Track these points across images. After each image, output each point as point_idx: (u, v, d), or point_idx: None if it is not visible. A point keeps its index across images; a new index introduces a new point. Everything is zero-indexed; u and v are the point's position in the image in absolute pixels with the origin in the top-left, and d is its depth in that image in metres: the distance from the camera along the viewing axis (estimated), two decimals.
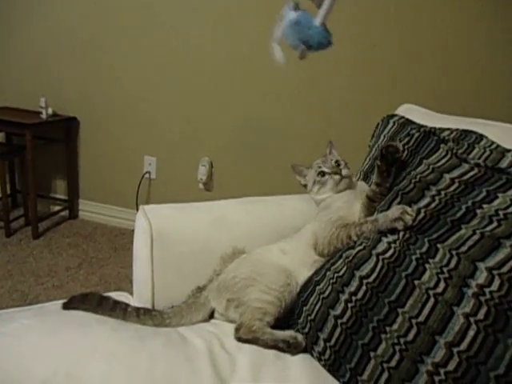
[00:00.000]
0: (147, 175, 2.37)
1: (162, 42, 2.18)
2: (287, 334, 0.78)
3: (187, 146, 2.30)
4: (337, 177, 0.96)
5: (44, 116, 2.22)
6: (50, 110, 2.23)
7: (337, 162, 0.99)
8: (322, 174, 0.98)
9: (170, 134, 2.30)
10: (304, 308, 0.79)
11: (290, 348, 0.75)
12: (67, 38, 2.31)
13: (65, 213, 2.52)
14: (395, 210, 0.74)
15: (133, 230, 0.98)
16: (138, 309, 0.82)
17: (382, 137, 1.11)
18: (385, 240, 0.73)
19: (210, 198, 1.07)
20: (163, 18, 2.15)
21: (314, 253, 0.88)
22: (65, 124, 2.36)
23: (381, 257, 0.70)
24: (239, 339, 0.78)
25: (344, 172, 0.97)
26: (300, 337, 0.77)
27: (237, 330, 0.79)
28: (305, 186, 1.04)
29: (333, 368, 0.70)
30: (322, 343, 0.72)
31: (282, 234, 0.99)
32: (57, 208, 2.52)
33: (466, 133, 0.92)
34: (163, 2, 2.13)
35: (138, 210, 1.00)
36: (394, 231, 0.73)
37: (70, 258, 2.09)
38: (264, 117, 2.15)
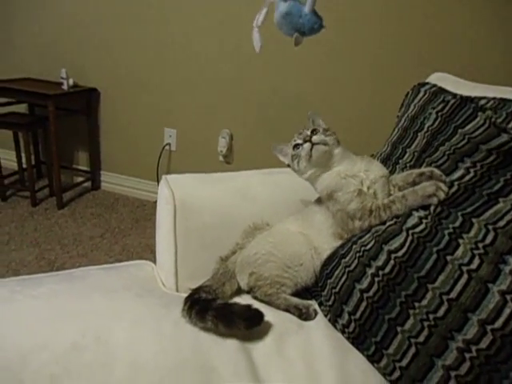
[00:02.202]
0: (167, 147, 2.37)
1: (184, 13, 2.12)
2: (301, 302, 0.80)
3: (207, 118, 2.27)
4: (306, 145, 0.85)
5: (65, 87, 2.22)
6: (71, 81, 2.24)
7: (314, 130, 0.88)
8: (297, 146, 0.88)
9: (190, 106, 2.28)
10: (328, 281, 0.78)
11: (301, 316, 0.78)
12: (87, 9, 2.28)
13: (87, 184, 2.57)
14: (428, 187, 0.71)
15: (154, 202, 0.98)
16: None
17: (412, 106, 1.06)
18: (416, 214, 0.70)
19: (230, 170, 1.06)
20: None
21: (336, 240, 0.84)
22: (86, 95, 2.36)
23: (411, 231, 0.67)
24: (255, 298, 0.83)
25: (315, 138, 0.85)
26: (312, 308, 0.79)
27: (253, 290, 0.84)
28: (289, 165, 0.94)
29: (357, 341, 0.69)
30: (346, 316, 0.72)
31: (305, 204, 0.98)
32: (80, 179, 2.57)
33: (505, 101, 0.86)
34: None
35: (158, 181, 1.00)
36: (425, 206, 0.70)
37: (94, 227, 2.14)
38: (285, 88, 2.10)
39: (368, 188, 0.81)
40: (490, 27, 1.75)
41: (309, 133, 0.87)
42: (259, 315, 0.71)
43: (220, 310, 0.72)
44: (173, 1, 2.12)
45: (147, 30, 2.21)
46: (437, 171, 0.75)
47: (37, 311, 0.71)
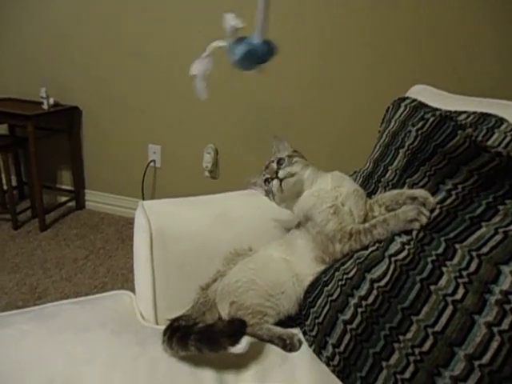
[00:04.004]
0: (152, 164, 2.33)
1: (166, 29, 2.10)
2: (285, 331, 0.76)
3: (191, 134, 2.24)
4: (275, 181, 0.84)
5: (45, 106, 2.18)
6: (51, 100, 2.19)
7: (279, 161, 0.86)
8: (267, 180, 0.87)
9: (175, 121, 2.25)
10: (311, 310, 0.75)
11: (285, 347, 0.74)
12: (66, 27, 2.24)
13: (72, 203, 2.51)
14: (409, 211, 0.69)
15: None
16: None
17: (392, 122, 1.04)
18: (398, 240, 0.67)
19: (216, 185, 1.02)
20: (168, 6, 2.07)
21: (318, 264, 0.82)
22: (67, 114, 2.32)
23: (393, 259, 0.64)
24: None
25: (281, 174, 0.83)
26: (297, 338, 0.75)
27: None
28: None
29: (342, 375, 0.66)
30: (330, 348, 0.68)
31: (286, 227, 0.95)
32: (64, 199, 2.51)
33: (485, 116, 0.85)
34: None
35: (143, 199, 0.96)
36: (407, 230, 0.68)
37: (78, 249, 2.08)
38: (269, 102, 2.08)
39: (342, 204, 0.79)
40: (479, 36, 1.75)
41: (275, 166, 0.86)
42: (242, 325, 0.68)
43: (203, 333, 0.69)
44: (154, 18, 2.10)
45: (129, 46, 2.19)
46: (431, 200, 0.70)
47: (2, 357, 0.66)
